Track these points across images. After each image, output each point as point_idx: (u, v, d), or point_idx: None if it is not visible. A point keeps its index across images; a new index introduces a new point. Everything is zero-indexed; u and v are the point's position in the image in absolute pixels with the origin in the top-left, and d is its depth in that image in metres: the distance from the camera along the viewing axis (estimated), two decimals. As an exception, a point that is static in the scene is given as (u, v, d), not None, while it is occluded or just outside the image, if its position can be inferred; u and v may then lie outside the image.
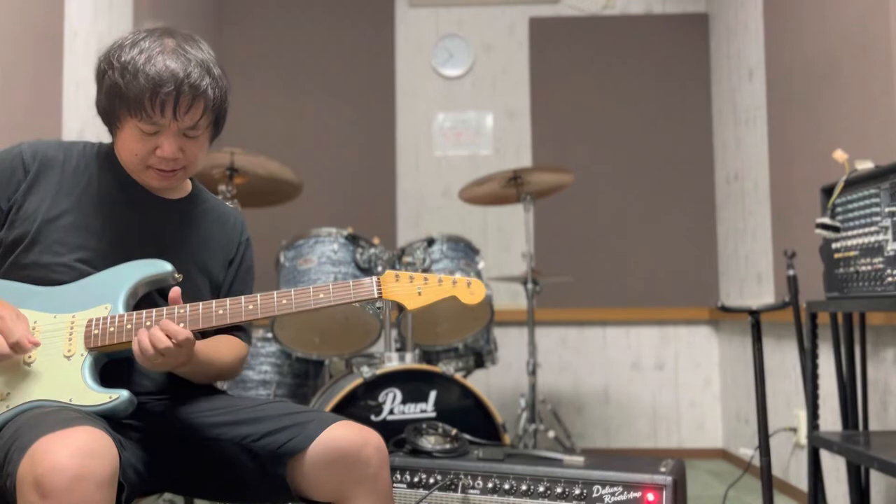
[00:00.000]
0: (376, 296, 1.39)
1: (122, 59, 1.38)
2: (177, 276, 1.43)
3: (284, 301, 1.37)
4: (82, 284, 1.39)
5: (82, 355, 1.34)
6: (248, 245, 1.65)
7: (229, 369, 1.54)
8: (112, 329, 1.34)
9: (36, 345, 1.31)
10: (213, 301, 1.38)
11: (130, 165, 1.45)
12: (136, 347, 1.30)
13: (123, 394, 1.30)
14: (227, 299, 1.38)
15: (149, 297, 1.44)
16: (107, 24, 3.01)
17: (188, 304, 1.36)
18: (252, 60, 4.16)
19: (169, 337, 1.29)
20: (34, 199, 1.42)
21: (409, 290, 1.40)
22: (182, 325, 1.34)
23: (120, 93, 1.37)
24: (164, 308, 1.36)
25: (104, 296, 1.38)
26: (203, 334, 1.51)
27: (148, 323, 1.34)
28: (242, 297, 1.39)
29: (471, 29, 4.37)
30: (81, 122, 2.82)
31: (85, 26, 2.85)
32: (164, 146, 1.40)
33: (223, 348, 1.52)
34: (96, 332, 1.35)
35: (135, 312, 1.36)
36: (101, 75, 1.41)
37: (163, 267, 1.42)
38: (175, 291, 1.37)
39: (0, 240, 1.42)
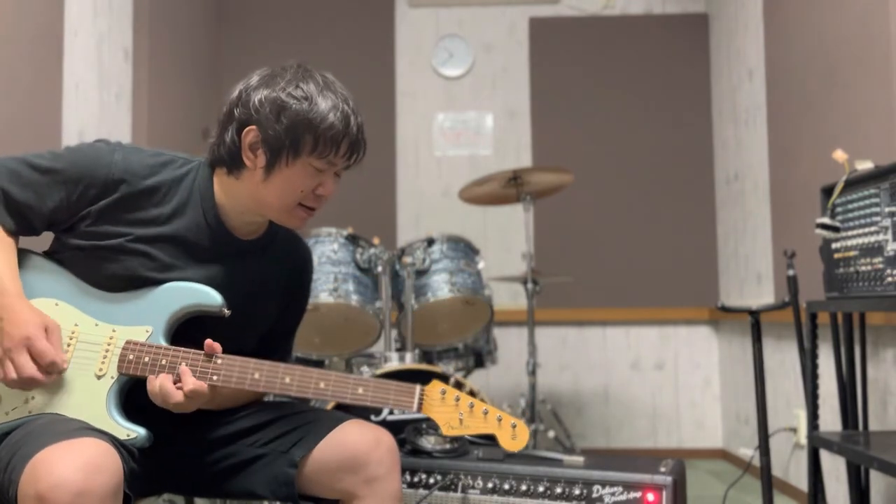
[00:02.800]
0: (415, 410, 1.33)
1: (307, 93, 1.34)
2: (225, 311, 1.39)
3: (322, 385, 1.33)
4: (129, 296, 1.37)
5: (112, 378, 1.33)
6: (308, 281, 1.63)
7: (245, 402, 1.53)
8: (147, 360, 1.33)
9: (64, 369, 1.29)
10: (252, 361, 1.34)
11: (281, 203, 1.38)
12: (149, 387, 1.30)
13: (141, 433, 1.30)
14: (266, 364, 1.34)
15: (193, 322, 1.41)
16: (107, 23, 3.01)
17: (227, 356, 1.34)
18: (252, 61, 4.13)
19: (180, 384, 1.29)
20: (111, 221, 1.36)
21: (451, 413, 1.34)
22: (216, 377, 1.33)
23: (311, 127, 1.32)
24: (202, 354, 1.34)
25: (148, 316, 1.36)
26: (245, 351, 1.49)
27: (183, 364, 1.32)
28: (281, 366, 1.35)
29: (471, 29, 4.37)
30: (81, 123, 2.82)
31: (85, 26, 2.85)
32: (326, 184, 1.39)
33: (244, 394, 1.51)
34: (131, 357, 1.33)
35: (172, 348, 1.34)
36: (277, 108, 1.33)
37: (213, 299, 1.38)
38: (215, 346, 1.34)
39: (63, 239, 1.39)
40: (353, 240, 2.74)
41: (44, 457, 1.09)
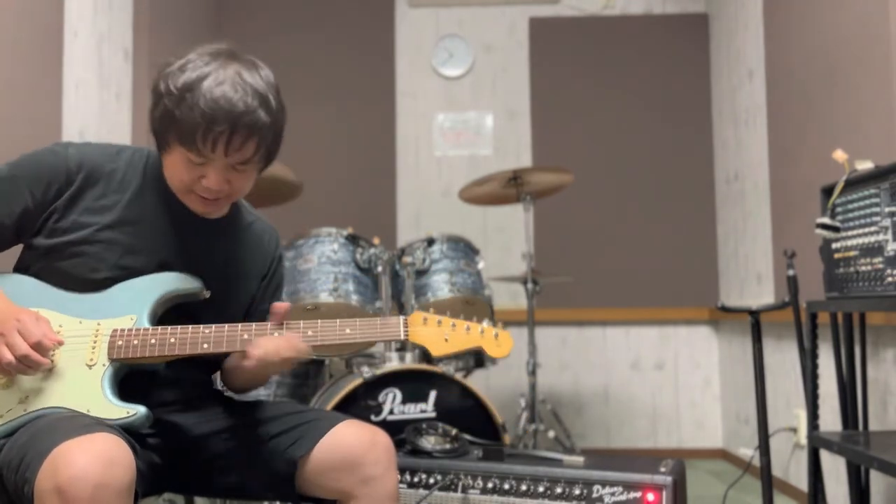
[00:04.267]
0: (402, 337, 1.38)
1: (179, 85, 1.32)
2: (205, 293, 1.42)
3: (310, 332, 1.38)
4: (110, 293, 1.39)
5: (104, 365, 1.33)
6: (280, 262, 1.64)
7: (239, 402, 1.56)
8: (136, 342, 1.34)
9: (59, 343, 1.30)
10: (239, 325, 1.37)
11: (175, 187, 1.42)
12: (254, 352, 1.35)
13: (141, 410, 1.30)
14: (253, 325, 1.37)
15: (175, 313, 1.43)
16: (107, 24, 3.01)
17: (214, 325, 1.37)
18: (252, 60, 4.15)
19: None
20: (75, 211, 1.39)
21: (437, 335, 1.39)
22: (206, 345, 1.35)
23: (173, 121, 1.32)
24: (190, 326, 1.36)
25: (131, 306, 1.38)
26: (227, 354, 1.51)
27: (172, 339, 1.34)
28: (269, 324, 1.38)
29: (471, 29, 4.37)
30: (81, 123, 2.82)
31: (85, 26, 2.85)
32: (209, 177, 1.36)
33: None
34: (120, 343, 1.34)
35: (160, 328, 1.36)
36: (157, 98, 1.36)
37: (192, 283, 1.42)
38: (282, 306, 1.38)
39: (33, 243, 1.40)
40: (353, 240, 2.74)
41: (61, 451, 1.10)
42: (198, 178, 1.37)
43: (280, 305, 1.39)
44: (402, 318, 1.38)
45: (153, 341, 1.34)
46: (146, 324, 1.37)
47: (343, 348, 2.78)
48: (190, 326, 1.36)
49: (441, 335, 1.39)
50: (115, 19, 3.09)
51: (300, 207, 3.41)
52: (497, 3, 4.36)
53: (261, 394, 2.78)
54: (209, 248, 1.49)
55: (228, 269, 1.51)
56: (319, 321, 1.37)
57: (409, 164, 4.31)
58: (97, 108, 2.93)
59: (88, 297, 1.38)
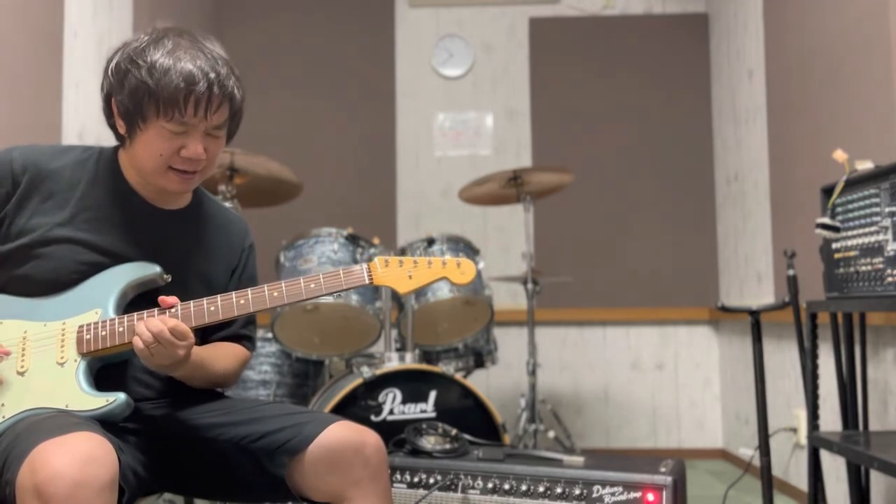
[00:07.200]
0: (367, 282, 1.37)
1: (148, 58, 1.33)
2: (165, 276, 1.42)
3: (276, 294, 1.36)
4: (71, 293, 1.38)
5: (76, 361, 1.33)
6: (251, 252, 1.62)
7: (228, 374, 1.53)
8: (104, 333, 1.33)
9: (6, 354, 1.30)
10: (205, 299, 1.36)
11: (150, 168, 1.39)
12: (136, 338, 1.30)
13: (120, 396, 1.29)
14: (219, 296, 1.36)
15: (140, 306, 1.42)
16: (107, 24, 3.01)
17: (180, 304, 1.36)
18: (252, 60, 4.16)
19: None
20: (26, 213, 1.38)
21: (400, 274, 1.38)
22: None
23: (150, 91, 1.32)
24: (156, 310, 1.35)
25: (94, 301, 1.37)
26: (203, 339, 1.50)
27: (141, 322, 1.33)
28: (233, 293, 1.37)
29: (471, 29, 4.37)
30: (81, 123, 2.82)
31: (85, 26, 2.85)
32: (189, 146, 1.36)
33: (222, 353, 1.51)
34: (88, 336, 1.33)
35: (126, 315, 1.35)
36: (121, 75, 1.35)
37: (150, 268, 1.41)
38: (172, 299, 1.35)
39: None
40: (353, 240, 2.74)
41: (40, 451, 1.10)
42: (177, 151, 1.37)
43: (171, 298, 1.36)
44: (364, 264, 1.38)
45: (121, 329, 1.33)
46: (112, 315, 1.36)
47: (335, 342, 2.78)
48: (155, 309, 1.35)
49: (404, 273, 1.37)
50: (115, 19, 3.09)
51: (300, 207, 3.41)
52: (497, 3, 4.36)
53: (261, 393, 2.78)
54: (170, 238, 1.48)
55: (192, 263, 1.50)
56: (283, 282, 1.36)
57: (409, 164, 4.31)
58: (97, 108, 2.93)
59: (51, 300, 1.38)
